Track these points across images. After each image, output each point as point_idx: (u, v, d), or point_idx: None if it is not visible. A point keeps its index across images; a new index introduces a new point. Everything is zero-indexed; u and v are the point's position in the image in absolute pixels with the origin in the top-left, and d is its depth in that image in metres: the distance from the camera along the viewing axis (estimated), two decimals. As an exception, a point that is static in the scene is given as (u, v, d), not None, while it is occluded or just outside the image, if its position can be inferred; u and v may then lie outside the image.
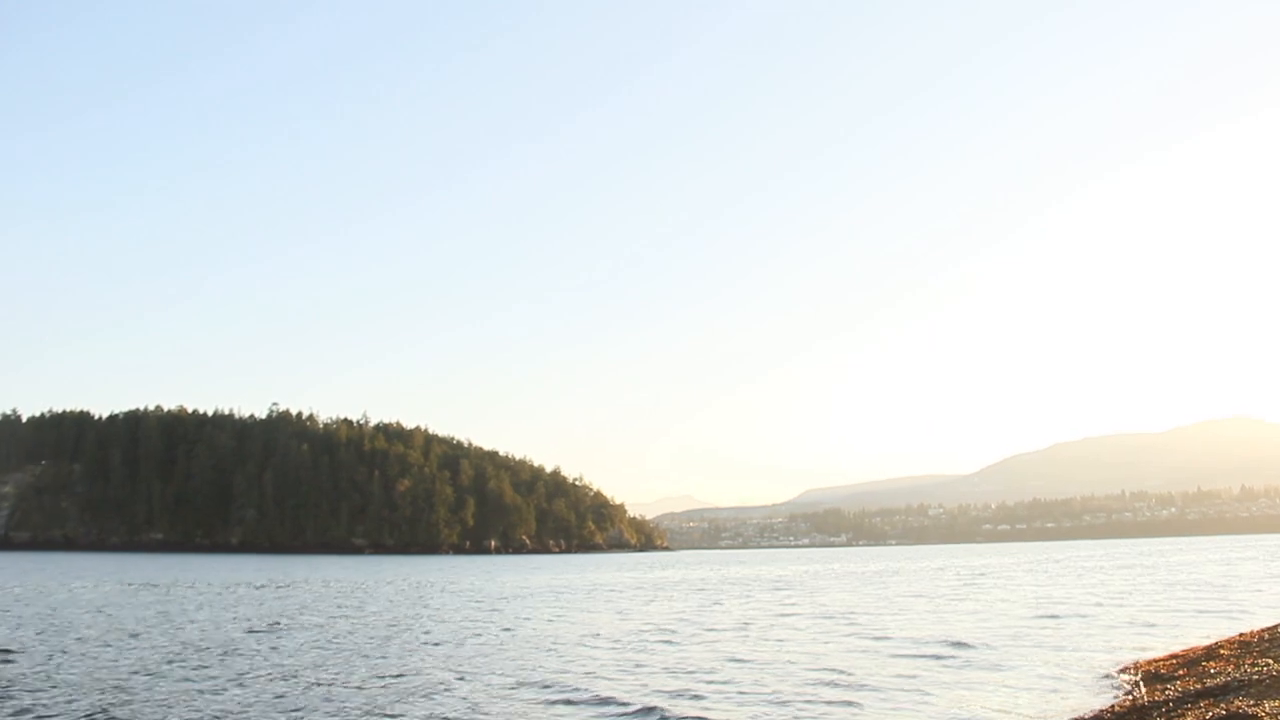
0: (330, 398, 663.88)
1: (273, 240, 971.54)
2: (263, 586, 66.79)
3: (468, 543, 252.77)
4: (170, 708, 18.53)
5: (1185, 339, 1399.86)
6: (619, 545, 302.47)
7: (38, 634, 32.04)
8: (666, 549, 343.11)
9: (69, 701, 19.19)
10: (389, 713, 17.98)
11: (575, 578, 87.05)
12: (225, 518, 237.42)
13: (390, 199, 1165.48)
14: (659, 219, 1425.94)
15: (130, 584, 68.64)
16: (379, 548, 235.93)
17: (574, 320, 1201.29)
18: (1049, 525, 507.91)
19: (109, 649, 27.93)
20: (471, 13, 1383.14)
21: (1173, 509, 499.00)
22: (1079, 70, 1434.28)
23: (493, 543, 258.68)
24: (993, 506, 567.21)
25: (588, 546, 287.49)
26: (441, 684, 21.26)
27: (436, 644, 29.34)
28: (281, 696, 19.76)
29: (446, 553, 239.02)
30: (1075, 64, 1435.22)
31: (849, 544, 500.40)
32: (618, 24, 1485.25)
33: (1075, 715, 16.60)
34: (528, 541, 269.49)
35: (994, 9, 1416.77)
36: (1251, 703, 14.26)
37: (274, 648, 28.32)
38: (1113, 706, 16.77)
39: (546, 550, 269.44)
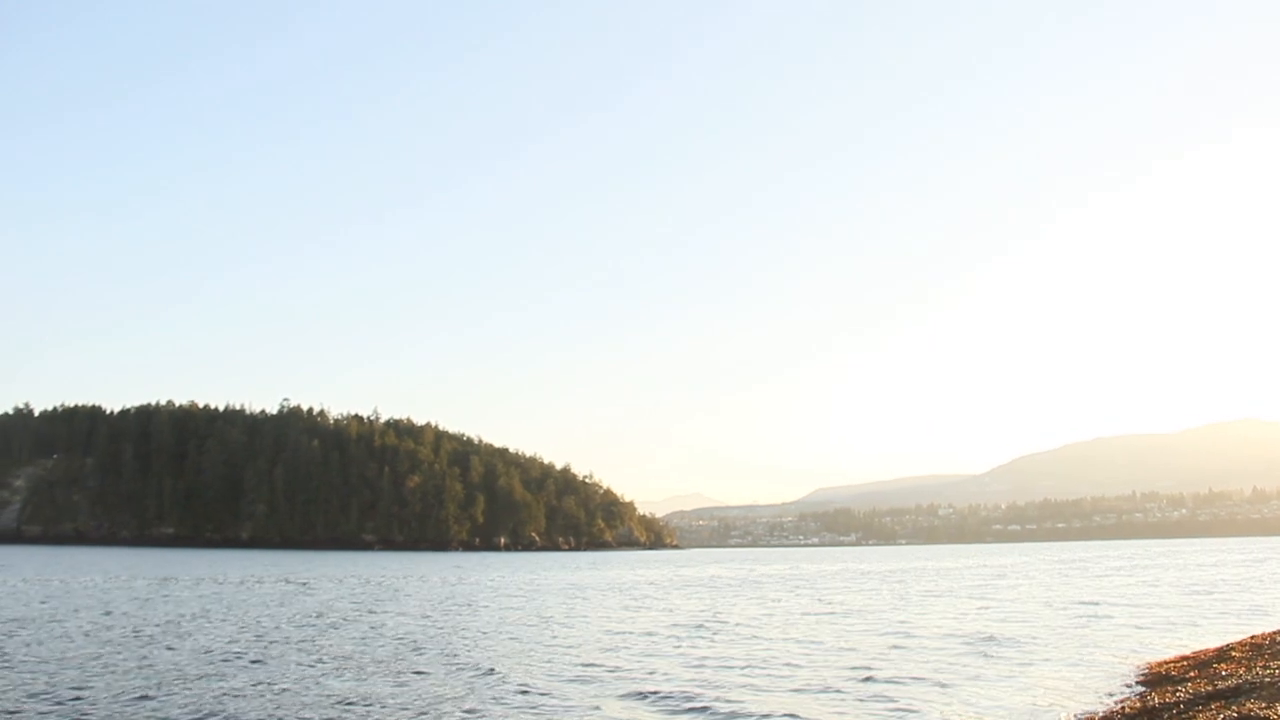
0: (341, 394, 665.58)
1: (285, 239, 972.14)
2: (290, 582, 67.97)
3: (477, 539, 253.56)
4: (247, 700, 19.80)
5: (1197, 340, 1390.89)
6: (629, 543, 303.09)
7: (85, 633, 33.32)
8: (676, 547, 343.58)
9: (140, 695, 20.46)
10: (450, 708, 19.20)
11: (591, 575, 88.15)
12: (236, 513, 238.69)
13: (403, 198, 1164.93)
14: (670, 217, 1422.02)
15: (160, 579, 69.92)
16: (388, 544, 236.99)
17: (585, 319, 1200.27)
18: (1059, 526, 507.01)
19: (156, 643, 29.17)
20: (474, 14, 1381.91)
21: (1184, 510, 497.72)
22: (1094, 72, 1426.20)
23: (502, 540, 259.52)
24: (1003, 507, 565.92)
25: (597, 544, 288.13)
26: (497, 675, 22.56)
27: (483, 635, 30.54)
28: (332, 696, 20.97)
29: (456, 549, 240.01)
30: (1089, 66, 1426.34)
31: (858, 543, 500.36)
32: (622, 26, 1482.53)
33: (1086, 715, 17.24)
34: (537, 539, 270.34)
35: (998, 17, 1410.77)
36: (1264, 705, 14.56)
37: (319, 642, 29.52)
38: (1123, 707, 17.23)
39: (556, 547, 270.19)
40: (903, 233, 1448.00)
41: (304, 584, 65.76)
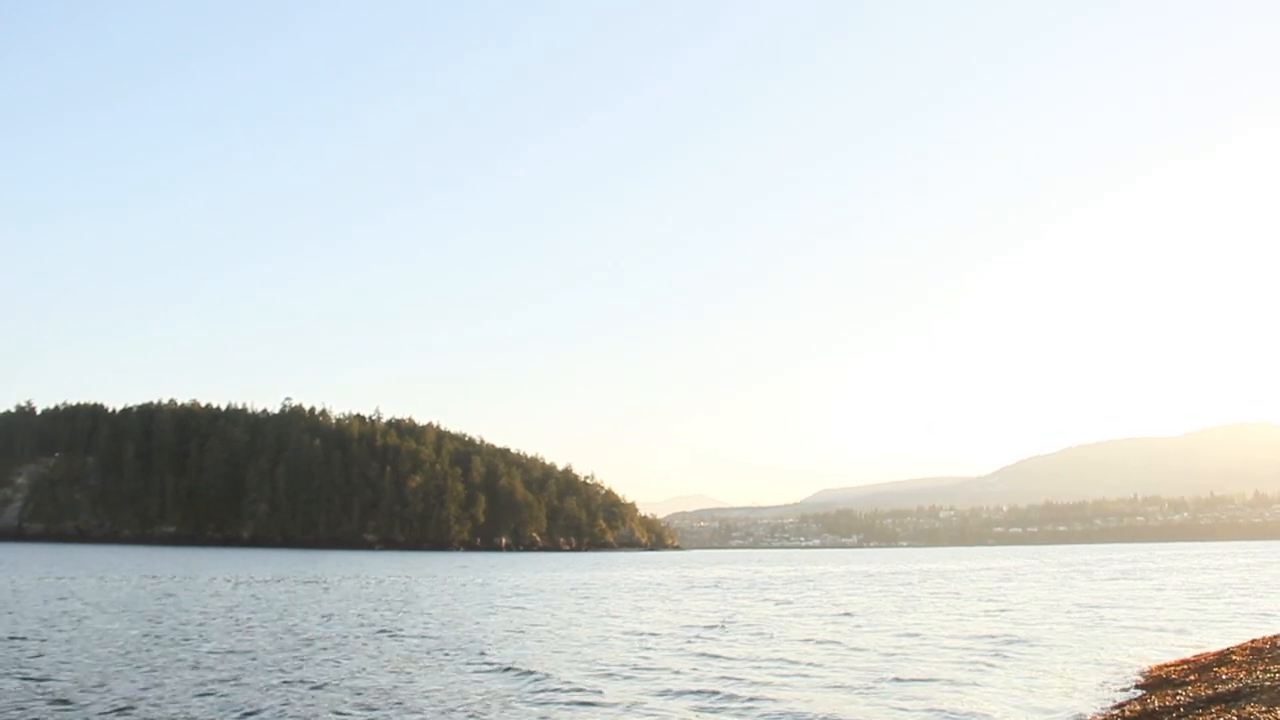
0: (343, 394, 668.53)
1: (288, 239, 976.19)
2: (304, 582, 68.86)
3: (478, 540, 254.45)
4: (289, 699, 20.87)
5: (1199, 343, 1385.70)
6: (630, 544, 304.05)
7: (112, 632, 34.31)
8: (678, 548, 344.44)
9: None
10: (497, 707, 20.28)
11: (598, 576, 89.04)
12: (237, 512, 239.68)
13: (406, 198, 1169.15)
14: (670, 218, 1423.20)
15: (172, 577, 70.88)
16: (390, 543, 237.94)
17: (587, 319, 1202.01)
18: (1061, 528, 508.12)
19: (185, 643, 30.17)
20: (474, 14, 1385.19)
21: (1185, 514, 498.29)
22: (1102, 73, 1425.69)
23: (504, 540, 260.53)
24: (1005, 509, 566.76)
25: (599, 545, 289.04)
26: (535, 675, 23.62)
27: (509, 635, 31.58)
28: (375, 697, 21.91)
29: (457, 549, 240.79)
30: (1096, 67, 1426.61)
31: (860, 545, 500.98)
32: (626, 26, 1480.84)
33: (1086, 717, 17.89)
34: (538, 539, 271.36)
35: (999, 19, 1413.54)
36: (1263, 709, 14.93)
37: (351, 643, 30.52)
38: (1122, 711, 17.72)
39: (557, 548, 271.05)
40: (904, 234, 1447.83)
41: (314, 582, 66.66)
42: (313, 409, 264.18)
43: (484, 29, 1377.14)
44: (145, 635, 31.25)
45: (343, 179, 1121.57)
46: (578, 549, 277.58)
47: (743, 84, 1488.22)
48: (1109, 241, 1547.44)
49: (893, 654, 27.55)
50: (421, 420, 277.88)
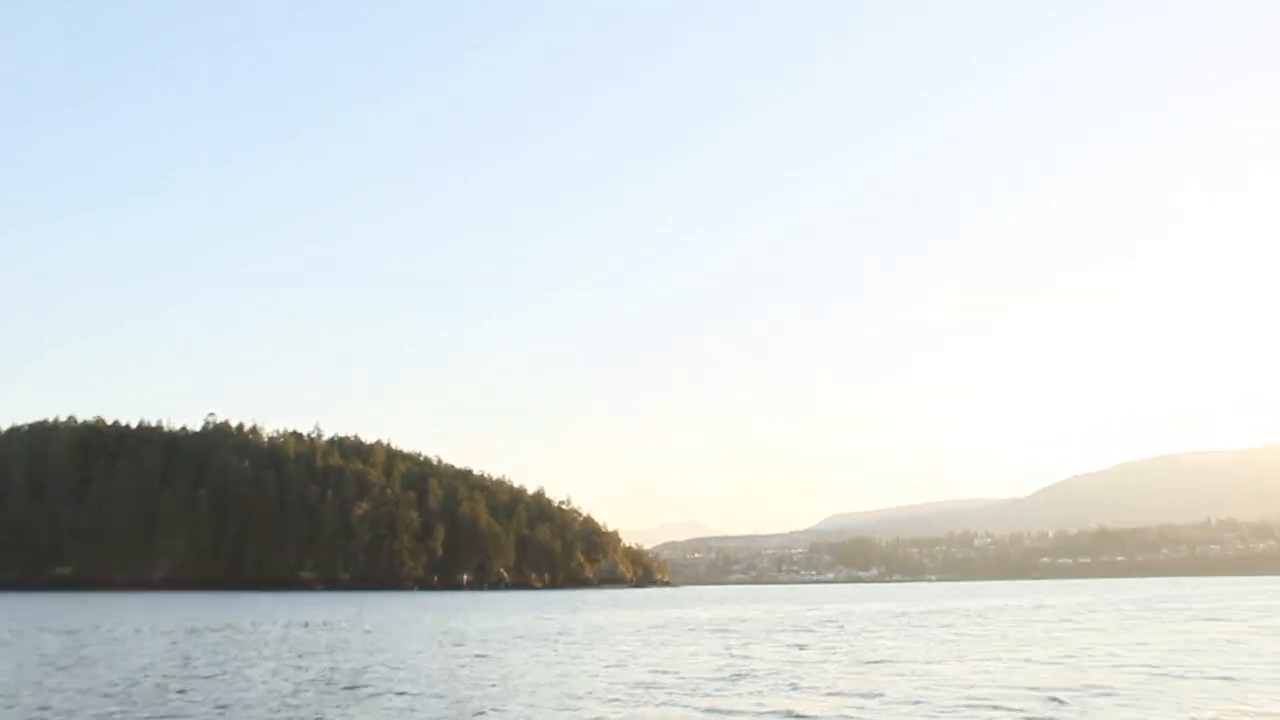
0: (277, 408, 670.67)
1: (238, 238, 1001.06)
2: (248, 631, 69.02)
3: (436, 577, 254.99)
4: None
5: (1274, 340, 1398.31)
6: (612, 579, 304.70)
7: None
8: (668, 584, 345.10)
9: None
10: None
11: (583, 620, 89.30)
12: (151, 548, 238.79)
13: (376, 198, 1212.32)
14: (670, 217, 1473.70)
15: (84, 631, 70.87)
16: (332, 582, 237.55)
17: (572, 329, 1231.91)
18: (1119, 559, 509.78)
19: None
20: (474, 14, 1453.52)
21: (1270, 541, 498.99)
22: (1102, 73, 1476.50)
23: (465, 576, 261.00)
24: (1050, 536, 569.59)
25: (576, 581, 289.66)
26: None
27: (505, 689, 31.92)
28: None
29: (411, 588, 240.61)
30: (1096, 66, 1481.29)
31: (881, 579, 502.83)
32: (625, 25, 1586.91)
33: None
34: (505, 575, 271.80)
35: (1001, 19, 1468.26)
36: None
37: (350, 711, 30.86)
38: None
39: (528, 585, 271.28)
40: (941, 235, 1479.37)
41: (252, 630, 66.76)
42: (240, 426, 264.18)
43: (484, 29, 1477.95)
44: (52, 706, 31.17)
45: (342, 179, 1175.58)
46: (551, 585, 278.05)
47: (743, 83, 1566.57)
48: (1169, 239, 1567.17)
49: (936, 708, 28.01)
50: (369, 438, 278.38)
